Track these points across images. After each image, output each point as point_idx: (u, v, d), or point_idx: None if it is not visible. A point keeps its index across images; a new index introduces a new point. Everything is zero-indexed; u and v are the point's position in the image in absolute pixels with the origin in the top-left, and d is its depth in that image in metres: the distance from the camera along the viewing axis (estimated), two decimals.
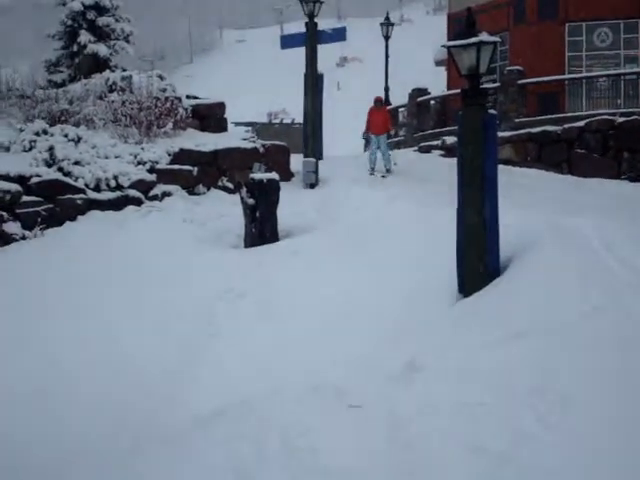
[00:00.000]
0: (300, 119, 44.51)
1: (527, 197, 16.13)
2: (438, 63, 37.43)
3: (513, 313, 9.27)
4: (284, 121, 54.87)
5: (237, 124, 41.76)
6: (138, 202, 18.63)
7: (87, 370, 10.57)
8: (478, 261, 11.18)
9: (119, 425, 8.53)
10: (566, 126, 23.79)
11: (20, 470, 7.65)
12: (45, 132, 18.66)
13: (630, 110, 23.93)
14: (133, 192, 18.64)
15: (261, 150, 20.97)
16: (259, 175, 17.23)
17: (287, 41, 28.07)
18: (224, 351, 10.98)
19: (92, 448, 8.04)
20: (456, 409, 6.81)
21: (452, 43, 11.38)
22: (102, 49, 28.01)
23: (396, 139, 27.61)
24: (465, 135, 11.43)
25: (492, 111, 11.69)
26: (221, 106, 22.88)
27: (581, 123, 23.59)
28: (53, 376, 10.29)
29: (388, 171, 22.75)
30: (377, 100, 23.70)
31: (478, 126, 11.21)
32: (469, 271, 11.25)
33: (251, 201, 16.80)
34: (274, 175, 17.34)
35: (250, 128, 42.86)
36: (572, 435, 6.24)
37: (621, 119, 23.23)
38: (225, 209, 18.66)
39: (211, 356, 10.86)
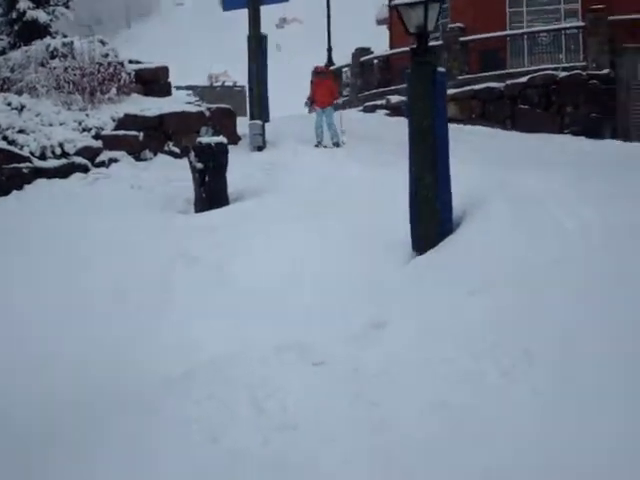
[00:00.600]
0: (241, 82, 44.24)
1: (474, 154, 16.25)
2: (380, 22, 37.44)
3: (470, 269, 9.39)
4: (226, 84, 54.57)
5: (178, 88, 41.31)
6: (85, 169, 18.46)
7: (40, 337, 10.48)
8: (431, 218, 11.27)
9: (81, 391, 8.47)
10: (509, 82, 24.03)
11: None
12: None
13: (572, 65, 24.26)
14: (79, 159, 18.46)
15: (207, 114, 20.84)
16: (207, 139, 17.11)
17: (229, 3, 27.76)
18: (183, 315, 10.92)
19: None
20: (420, 365, 6.91)
21: (400, 1, 11.38)
22: (42, 15, 27.42)
23: (341, 100, 27.60)
24: (415, 94, 11.47)
25: (441, 69, 11.74)
26: (165, 70, 22.63)
27: (524, 79, 23.85)
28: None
29: (336, 144, 20.82)
30: (319, 71, 22.87)
31: (428, 84, 11.26)
32: (422, 229, 11.34)
33: (200, 165, 16.70)
34: (222, 139, 17.23)
35: (191, 92, 42.52)
36: (535, 388, 6.36)
37: (563, 74, 23.52)
38: (173, 174, 18.54)
39: (170, 321, 10.80)
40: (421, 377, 6.72)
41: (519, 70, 24.98)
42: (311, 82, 22.67)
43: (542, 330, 7.31)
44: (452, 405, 6.19)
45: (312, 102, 22.16)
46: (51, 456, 6.60)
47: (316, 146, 20.78)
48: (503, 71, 25.40)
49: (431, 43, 12.28)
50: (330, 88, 21.87)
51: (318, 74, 22.55)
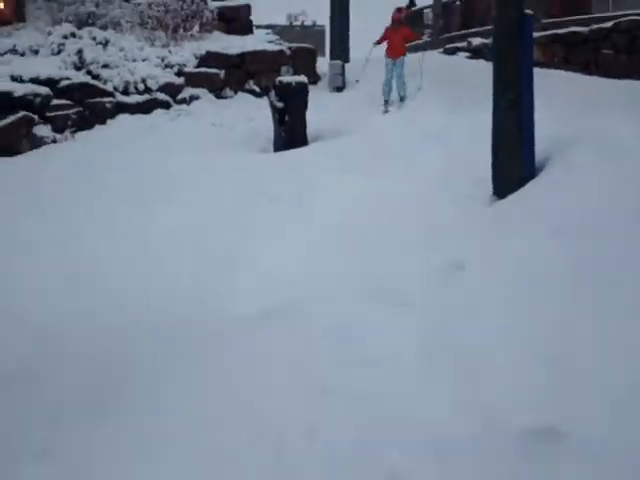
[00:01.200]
0: (320, 21, 43.90)
1: (557, 99, 16.05)
2: None
3: (550, 214, 9.33)
4: (305, 23, 54.35)
5: (257, 27, 41.34)
6: (166, 105, 18.75)
7: (117, 268, 10.66)
8: (513, 163, 11.22)
9: (163, 326, 8.64)
10: (594, 27, 23.57)
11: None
12: (73, 35, 18.68)
13: None
14: (161, 95, 18.76)
15: (287, 53, 20.94)
16: (288, 78, 17.22)
17: None
18: (263, 254, 11.01)
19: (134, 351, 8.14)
20: (500, 307, 6.94)
21: None
22: None
23: (422, 41, 27.32)
24: (501, 36, 11.36)
25: (528, 11, 11.59)
26: (247, 8, 22.76)
27: (609, 24, 23.36)
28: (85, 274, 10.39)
29: (402, 99, 19.63)
30: (395, 19, 20.43)
31: (514, 27, 11.14)
32: (504, 173, 11.29)
33: (280, 105, 16.81)
34: (303, 78, 17.33)
35: (270, 31, 42.45)
36: (620, 337, 6.35)
37: None
38: (253, 112, 18.72)
39: (250, 259, 10.90)
40: (506, 315, 6.75)
41: (604, 15, 24.50)
42: (385, 29, 20.34)
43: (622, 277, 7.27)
44: (537, 346, 6.21)
45: (378, 43, 20.45)
46: (130, 378, 6.80)
47: (385, 111, 19.29)
48: (587, 15, 24.95)
49: None
50: (404, 37, 20.26)
51: (393, 22, 20.38)
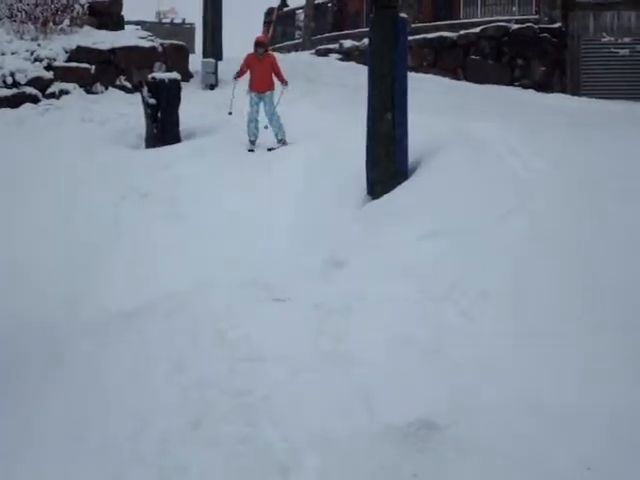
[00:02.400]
0: (190, 19, 43.53)
1: (427, 103, 16.35)
2: None
3: (426, 213, 9.55)
4: (174, 21, 53.94)
5: (126, 23, 40.80)
6: (35, 100, 18.35)
7: None
8: (387, 163, 11.40)
9: (34, 326, 8.49)
10: (462, 32, 24.13)
11: None
12: None
13: (524, 17, 24.39)
14: (30, 89, 18.35)
15: (159, 49, 20.75)
16: (161, 75, 17.10)
17: None
18: (134, 251, 10.93)
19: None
20: (380, 303, 7.07)
21: None
22: None
23: (293, 42, 27.41)
24: (377, 39, 11.54)
25: (403, 15, 11.81)
26: (118, 3, 22.44)
27: (477, 29, 23.97)
28: None
29: (281, 142, 15.57)
30: (259, 43, 16.18)
31: (390, 30, 11.34)
32: (379, 173, 11.46)
33: (152, 101, 16.65)
34: (176, 75, 17.24)
35: (139, 27, 41.95)
36: (492, 327, 6.58)
37: (515, 26, 23.66)
38: (124, 109, 18.47)
39: (121, 257, 10.82)
40: (383, 314, 6.88)
41: (472, 20, 25.10)
42: (247, 58, 16.25)
43: (499, 274, 7.51)
44: (416, 341, 6.36)
45: (239, 76, 16.28)
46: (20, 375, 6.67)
47: (250, 150, 15.52)
48: (456, 21, 25.49)
49: None
50: (272, 67, 16.02)
51: (256, 48, 16.05)
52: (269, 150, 15.11)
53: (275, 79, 16.12)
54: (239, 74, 16.24)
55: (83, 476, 4.81)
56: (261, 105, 15.85)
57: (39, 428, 5.38)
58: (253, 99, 15.86)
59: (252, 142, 15.71)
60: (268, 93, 15.84)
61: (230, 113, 16.13)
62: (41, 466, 4.92)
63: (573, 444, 5.04)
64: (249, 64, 16.02)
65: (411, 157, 11.72)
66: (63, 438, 5.18)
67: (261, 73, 15.89)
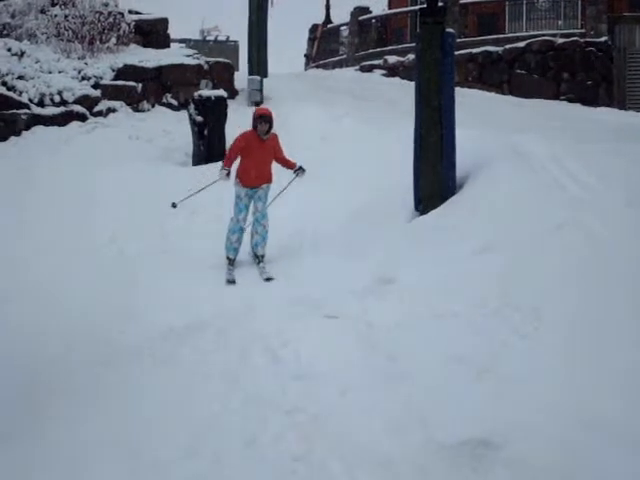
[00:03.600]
0: (233, 36, 43.73)
1: (474, 117, 16.30)
2: None
3: (475, 228, 9.48)
4: (218, 38, 54.07)
5: (171, 41, 41.02)
6: (82, 118, 18.50)
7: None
8: (435, 178, 11.33)
9: (88, 339, 8.54)
10: (507, 47, 24.06)
11: None
12: None
13: (569, 31, 24.29)
14: (77, 107, 18.50)
15: (205, 67, 20.86)
16: (207, 92, 17.19)
17: None
18: (183, 267, 10.96)
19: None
20: (431, 321, 7.03)
21: None
22: None
23: (337, 58, 27.40)
24: (424, 54, 11.49)
25: (450, 30, 11.77)
26: (164, 22, 22.64)
27: (522, 44, 23.91)
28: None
29: (261, 260, 11.52)
30: (263, 116, 11.65)
31: (437, 45, 11.29)
32: (427, 188, 11.39)
33: (199, 118, 16.77)
34: (222, 92, 17.34)
35: (184, 45, 42.20)
36: (545, 344, 6.51)
37: (561, 40, 23.55)
38: (171, 126, 18.59)
39: (174, 275, 10.85)
40: (434, 330, 6.83)
41: (517, 35, 25.08)
42: (241, 138, 11.81)
43: (550, 290, 7.44)
44: (468, 359, 6.31)
45: (227, 164, 11.66)
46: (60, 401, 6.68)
47: (230, 281, 11.00)
48: (501, 35, 25.45)
49: None
50: (275, 152, 11.96)
51: (258, 121, 11.66)
52: (267, 280, 10.64)
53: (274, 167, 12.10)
54: (228, 160, 11.71)
55: None
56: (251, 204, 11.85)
57: (93, 446, 5.38)
58: (243, 198, 11.71)
59: (231, 261, 11.59)
60: (264, 187, 11.87)
61: (174, 205, 11.99)
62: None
63: (632, 460, 4.96)
64: (246, 147, 11.66)
65: (459, 172, 11.65)
66: (119, 456, 5.19)
67: (261, 160, 11.77)
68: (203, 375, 6.25)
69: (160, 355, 6.97)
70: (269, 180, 11.96)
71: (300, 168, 12.12)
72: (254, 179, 11.76)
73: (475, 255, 8.53)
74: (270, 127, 11.78)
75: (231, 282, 10.96)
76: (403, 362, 6.39)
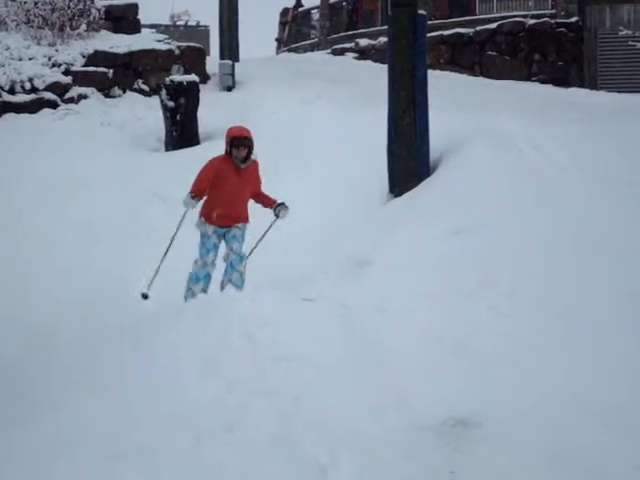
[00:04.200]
0: (204, 21, 43.55)
1: (446, 99, 16.32)
2: None
3: (450, 210, 9.54)
4: (189, 23, 53.91)
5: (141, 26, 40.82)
6: (54, 105, 18.39)
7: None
8: (409, 160, 11.39)
9: (67, 321, 8.57)
10: (478, 28, 24.11)
11: None
12: None
13: (540, 12, 24.34)
14: (49, 94, 18.39)
15: (176, 52, 20.74)
16: (179, 77, 17.11)
17: None
18: (157, 254, 10.90)
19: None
20: (409, 301, 7.05)
21: None
22: None
23: (309, 42, 27.36)
24: (395, 36, 11.51)
25: (421, 11, 11.78)
26: (134, 7, 22.46)
27: (493, 25, 23.98)
28: None
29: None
30: (240, 137, 9.53)
31: (408, 27, 11.32)
32: (401, 171, 11.45)
33: (171, 104, 16.70)
34: (194, 77, 17.29)
35: (154, 30, 41.97)
36: (522, 323, 6.56)
37: (532, 21, 23.61)
38: (143, 112, 18.51)
39: (146, 258, 10.81)
40: (412, 311, 6.86)
41: (488, 16, 25.10)
42: (211, 164, 9.79)
43: (526, 270, 7.49)
44: (446, 339, 6.34)
45: (196, 194, 9.52)
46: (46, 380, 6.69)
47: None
48: (472, 17, 25.48)
49: None
50: (254, 184, 9.89)
51: (236, 147, 9.52)
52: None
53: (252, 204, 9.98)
54: (196, 187, 9.52)
55: (120, 476, 4.80)
56: (220, 247, 9.75)
57: (74, 430, 5.37)
58: (211, 236, 9.59)
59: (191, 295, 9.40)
60: (240, 226, 9.69)
61: (145, 296, 9.55)
62: (77, 467, 4.91)
63: (616, 441, 4.99)
64: (217, 176, 9.50)
65: (433, 154, 11.71)
66: (99, 440, 5.18)
67: (235, 195, 9.58)
68: (182, 359, 6.23)
69: (140, 338, 6.96)
70: (244, 220, 9.76)
71: (282, 204, 9.92)
72: (224, 218, 9.57)
73: (451, 236, 8.57)
74: (249, 152, 9.54)
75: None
76: (381, 343, 6.40)
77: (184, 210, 9.65)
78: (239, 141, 9.47)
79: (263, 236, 10.11)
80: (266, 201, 9.98)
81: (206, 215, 9.62)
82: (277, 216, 9.93)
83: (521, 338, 6.33)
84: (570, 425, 5.22)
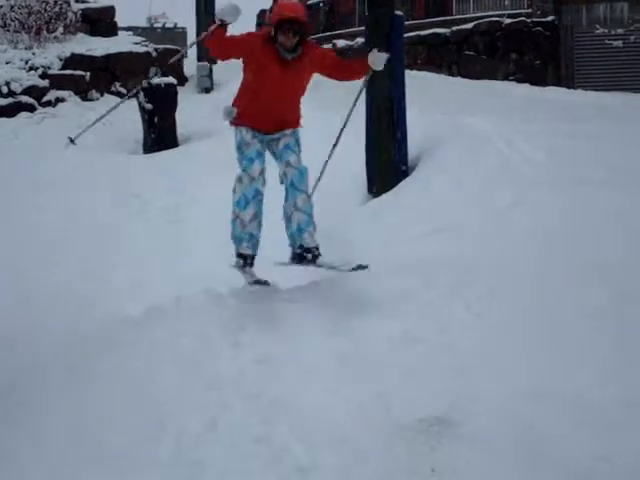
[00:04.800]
0: (182, 23, 43.53)
1: (423, 99, 16.39)
2: None
3: (428, 209, 9.59)
4: (166, 25, 53.82)
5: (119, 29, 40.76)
6: (31, 108, 18.44)
7: None
8: (387, 160, 11.43)
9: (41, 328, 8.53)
10: (455, 28, 24.22)
11: None
12: None
13: (517, 11, 24.44)
14: (26, 98, 18.45)
15: (154, 54, 20.77)
16: (156, 80, 17.12)
17: None
18: (138, 256, 10.91)
19: None
20: (388, 300, 7.07)
21: None
22: None
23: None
24: (373, 37, 11.53)
25: (398, 12, 11.83)
26: (111, 10, 22.55)
27: (469, 25, 24.09)
28: None
29: (311, 252, 7.59)
30: (291, 20, 7.12)
31: (385, 28, 11.34)
32: (379, 171, 11.48)
33: (149, 106, 16.73)
34: (171, 79, 17.31)
35: (131, 32, 41.91)
36: (501, 323, 6.60)
37: (508, 20, 23.74)
38: (120, 115, 18.46)
39: (124, 261, 10.80)
40: (391, 311, 6.89)
41: (465, 16, 25.18)
42: (249, 38, 7.52)
43: (504, 270, 7.54)
44: (424, 338, 6.38)
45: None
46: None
47: (252, 281, 7.77)
48: (449, 17, 25.57)
49: None
50: (303, 82, 7.68)
51: (283, 31, 7.15)
52: (356, 270, 7.54)
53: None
54: (215, 43, 7.35)
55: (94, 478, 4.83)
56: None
57: (51, 434, 5.38)
58: (252, 144, 7.34)
59: (247, 260, 7.59)
60: (289, 132, 7.54)
61: (72, 140, 9.12)
62: (54, 471, 4.92)
63: (587, 435, 5.05)
64: (253, 58, 7.31)
65: (411, 154, 11.74)
66: (77, 443, 5.19)
67: (279, 91, 7.32)
68: (162, 361, 6.24)
69: (119, 339, 6.96)
70: (294, 124, 7.62)
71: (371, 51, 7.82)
72: (264, 122, 7.36)
73: (428, 236, 8.63)
74: (301, 38, 7.28)
75: (256, 282, 7.61)
76: (362, 342, 6.43)
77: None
78: (288, 24, 7.12)
79: (346, 123, 8.74)
80: (349, 68, 7.99)
81: (241, 110, 7.36)
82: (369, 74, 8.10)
83: (499, 338, 6.37)
84: (546, 422, 5.27)
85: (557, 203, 9.14)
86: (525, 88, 21.80)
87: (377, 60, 7.76)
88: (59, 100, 18.76)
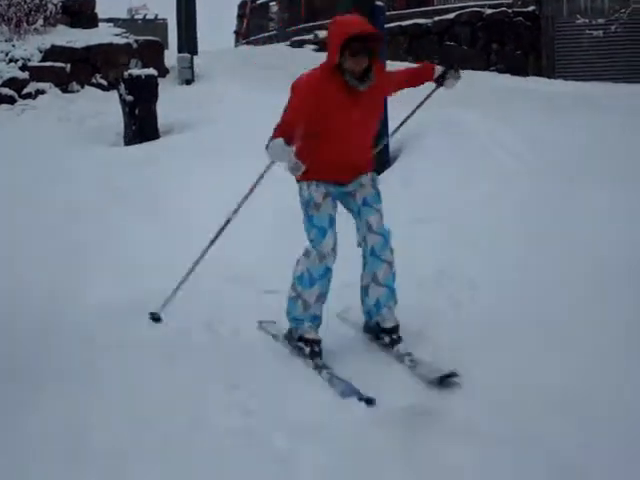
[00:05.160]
0: (163, 14, 43.47)
1: (405, 90, 16.34)
2: None
3: (409, 200, 9.58)
4: (147, 17, 53.67)
5: (99, 20, 40.58)
6: (11, 101, 18.28)
7: None
8: None
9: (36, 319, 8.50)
10: (436, 19, 24.19)
11: None
12: None
13: (498, 2, 24.42)
14: (5, 90, 18.28)
15: (134, 46, 20.65)
16: (137, 71, 17.02)
17: None
18: (119, 250, 10.84)
19: None
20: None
21: None
22: None
23: (268, 34, 27.27)
24: None
25: (379, 3, 11.80)
26: (91, 1, 22.40)
27: (451, 15, 24.03)
28: None
29: (390, 334, 6.34)
30: (361, 37, 5.86)
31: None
32: None
33: (130, 98, 16.60)
34: (152, 71, 17.16)
35: (112, 24, 41.72)
36: (481, 313, 6.62)
37: (489, 11, 23.74)
38: (101, 107, 18.40)
39: (109, 254, 10.73)
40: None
41: (446, 7, 25.18)
42: (306, 91, 6.01)
43: (485, 261, 7.56)
44: (405, 327, 6.39)
45: (281, 134, 6.02)
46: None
47: (319, 367, 6.09)
48: (430, 7, 25.56)
49: None
50: (379, 107, 6.68)
51: (352, 50, 5.85)
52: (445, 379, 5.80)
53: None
54: (281, 132, 6.06)
55: (88, 476, 4.82)
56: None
57: (41, 432, 5.35)
58: (323, 207, 6.40)
59: (313, 348, 6.25)
60: (367, 179, 6.50)
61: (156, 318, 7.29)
62: (44, 469, 4.90)
63: (572, 428, 5.06)
64: (317, 111, 5.99)
65: (392, 145, 11.71)
66: (66, 442, 5.17)
67: (352, 133, 6.15)
68: (142, 357, 6.24)
69: (98, 337, 6.94)
70: (369, 166, 6.51)
71: (450, 69, 7.12)
72: (338, 170, 6.22)
73: (409, 226, 8.59)
74: (373, 59, 6.01)
75: (319, 367, 6.09)
76: (342, 333, 6.45)
77: (267, 165, 6.50)
78: (359, 44, 5.81)
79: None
80: (417, 74, 7.20)
81: (311, 167, 6.07)
82: (441, 85, 7.30)
83: (481, 329, 6.39)
84: (530, 414, 5.29)
85: (537, 195, 9.17)
86: (506, 78, 21.78)
87: (451, 85, 7.25)
88: (39, 92, 18.61)
